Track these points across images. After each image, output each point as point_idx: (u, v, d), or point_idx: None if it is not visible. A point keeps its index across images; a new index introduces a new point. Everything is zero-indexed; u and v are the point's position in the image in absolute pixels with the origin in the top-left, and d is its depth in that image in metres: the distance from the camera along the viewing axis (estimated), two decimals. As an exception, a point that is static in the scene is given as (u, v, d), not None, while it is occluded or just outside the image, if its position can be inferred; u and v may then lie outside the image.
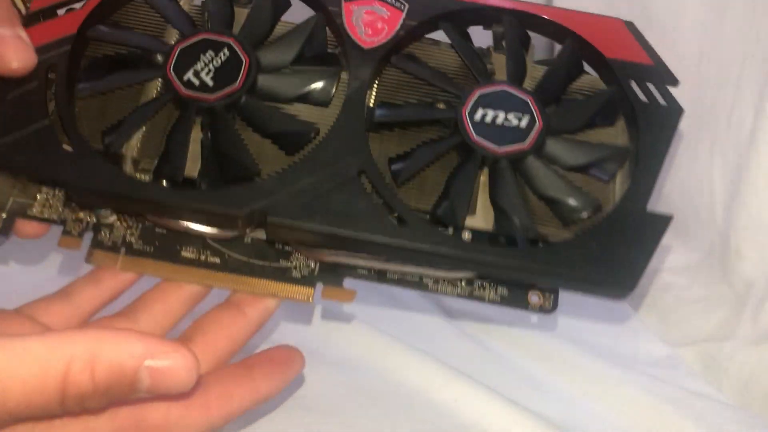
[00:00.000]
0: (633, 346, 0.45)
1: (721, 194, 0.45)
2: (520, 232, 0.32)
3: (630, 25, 0.38)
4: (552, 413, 0.38)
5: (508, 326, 0.44)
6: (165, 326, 0.33)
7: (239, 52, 0.34)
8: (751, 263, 0.44)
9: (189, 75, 0.33)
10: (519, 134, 0.33)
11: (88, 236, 0.34)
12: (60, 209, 0.34)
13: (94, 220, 0.34)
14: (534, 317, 0.45)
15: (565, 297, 0.48)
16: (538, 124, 0.33)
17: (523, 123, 0.33)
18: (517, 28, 0.36)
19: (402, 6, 0.35)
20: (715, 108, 0.45)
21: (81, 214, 0.34)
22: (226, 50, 0.34)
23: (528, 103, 0.33)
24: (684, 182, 0.47)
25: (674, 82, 0.36)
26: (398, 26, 0.35)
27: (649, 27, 0.49)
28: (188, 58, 0.33)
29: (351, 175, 0.32)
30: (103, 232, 0.34)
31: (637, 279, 0.31)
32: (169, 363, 0.24)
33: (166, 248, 0.34)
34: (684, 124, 0.48)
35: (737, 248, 0.44)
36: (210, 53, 0.34)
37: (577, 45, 0.36)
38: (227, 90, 0.33)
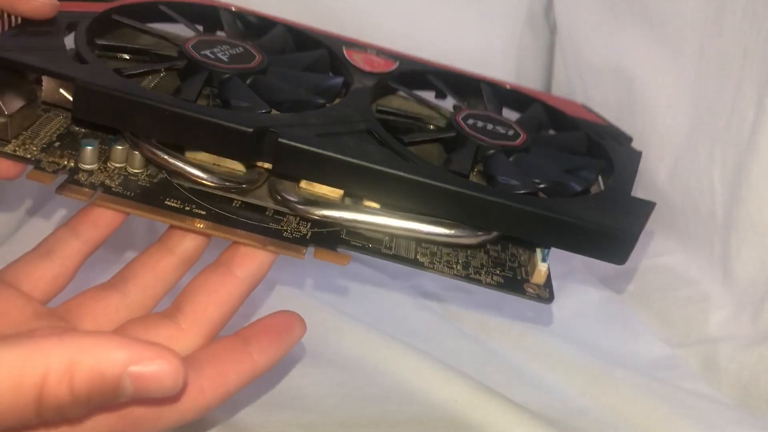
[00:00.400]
0: (633, 347, 0.45)
1: (721, 194, 0.45)
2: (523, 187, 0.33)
3: (585, 106, 0.44)
4: (552, 413, 0.38)
5: (508, 326, 0.44)
6: (156, 295, 0.32)
7: (254, 51, 0.36)
8: (751, 263, 0.43)
9: (205, 51, 0.35)
10: (508, 137, 0.36)
11: (62, 178, 0.32)
12: (36, 151, 0.32)
13: (72, 164, 0.32)
14: (530, 312, 0.45)
15: (566, 299, 0.48)
16: (522, 135, 0.37)
17: (510, 133, 0.37)
18: (490, 95, 0.41)
19: (395, 60, 0.40)
20: (714, 108, 0.45)
21: (58, 159, 0.32)
22: (241, 48, 0.36)
23: (511, 123, 0.38)
24: (684, 182, 0.47)
25: (629, 140, 0.41)
26: (393, 68, 0.40)
27: (649, 27, 0.49)
28: (206, 44, 0.35)
29: (360, 129, 0.33)
30: (81, 174, 0.32)
31: (633, 245, 0.32)
32: (153, 369, 0.23)
33: (147, 196, 0.32)
34: (684, 124, 0.49)
35: (737, 248, 0.44)
36: (227, 46, 0.36)
37: (541, 107, 0.41)
38: (241, 65, 0.35)
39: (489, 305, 0.46)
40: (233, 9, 0.42)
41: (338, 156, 0.30)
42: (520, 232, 0.33)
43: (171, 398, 0.26)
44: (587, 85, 0.56)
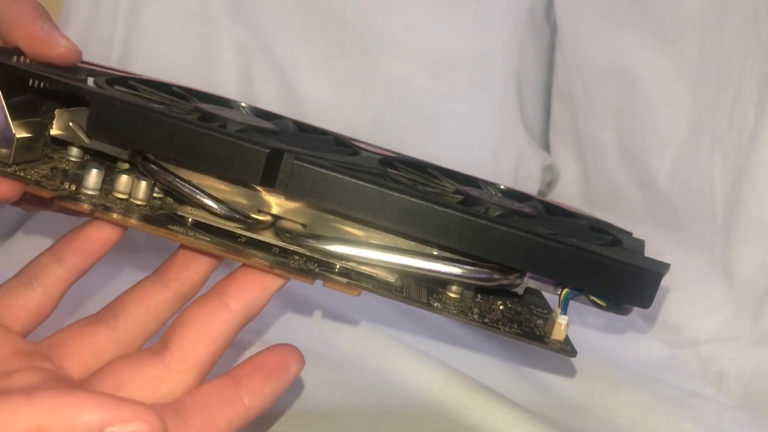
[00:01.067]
0: (633, 347, 0.45)
1: (721, 194, 0.45)
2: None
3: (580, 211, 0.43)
4: (552, 413, 0.38)
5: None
6: (147, 331, 0.31)
7: (264, 123, 0.37)
8: (751, 264, 0.43)
9: (219, 112, 0.36)
10: (516, 206, 0.36)
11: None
12: (37, 176, 0.31)
13: (74, 188, 0.31)
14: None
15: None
16: (530, 209, 0.36)
17: (517, 205, 0.37)
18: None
19: (396, 154, 0.41)
20: (715, 108, 0.45)
21: (59, 183, 0.31)
22: (251, 117, 0.39)
23: (515, 203, 0.38)
24: (684, 182, 0.47)
25: (628, 234, 0.40)
26: (395, 155, 0.40)
27: (649, 27, 0.49)
28: (220, 109, 0.37)
29: (374, 173, 0.33)
30: (82, 196, 0.31)
31: (655, 292, 0.32)
32: (132, 429, 0.21)
33: (150, 220, 0.31)
34: (684, 124, 0.49)
35: (737, 248, 0.44)
36: (240, 113, 0.39)
37: (538, 201, 0.41)
38: (256, 124, 0.36)
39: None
40: (242, 104, 0.42)
41: (358, 181, 0.29)
42: (546, 270, 0.31)
43: None
44: (587, 85, 0.56)
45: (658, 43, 0.49)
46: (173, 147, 0.30)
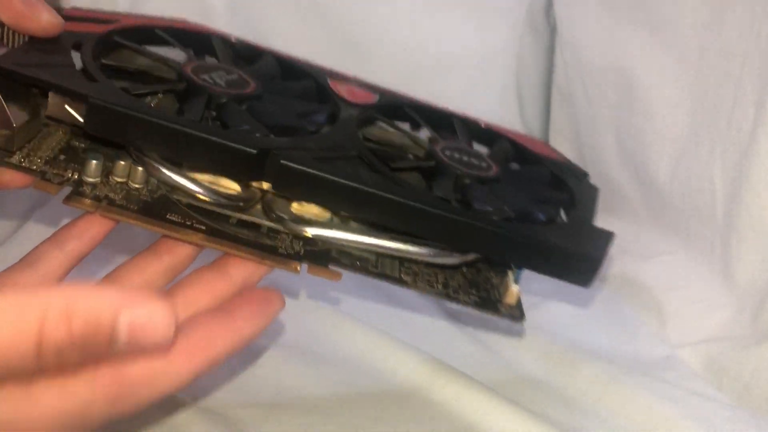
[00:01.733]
0: (633, 347, 0.45)
1: (721, 194, 0.45)
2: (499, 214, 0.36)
3: (546, 143, 0.48)
4: (552, 413, 0.38)
5: (508, 326, 0.45)
6: None
7: (247, 78, 0.38)
8: (751, 263, 0.44)
9: (204, 76, 0.37)
10: (482, 168, 0.39)
11: (67, 189, 0.33)
12: (40, 163, 0.33)
13: (75, 176, 0.33)
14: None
15: (566, 300, 0.48)
16: (494, 167, 0.40)
17: (484, 165, 0.40)
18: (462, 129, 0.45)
19: (375, 93, 0.43)
20: (715, 108, 0.45)
21: (62, 171, 0.33)
22: (235, 74, 0.38)
23: (483, 156, 0.41)
24: (684, 182, 0.47)
25: (585, 175, 0.44)
26: (374, 101, 0.43)
27: (649, 27, 0.49)
28: (203, 69, 0.37)
29: (352, 155, 0.35)
30: (85, 186, 0.33)
31: (598, 269, 0.35)
32: (147, 312, 0.23)
33: (149, 210, 0.33)
34: (684, 124, 0.49)
35: (737, 248, 0.44)
36: (222, 72, 0.38)
37: (508, 142, 0.45)
38: (238, 90, 0.37)
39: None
40: (225, 36, 0.44)
41: (337, 179, 0.32)
42: (497, 254, 0.36)
43: (163, 361, 0.26)
44: (587, 85, 0.56)
45: (658, 43, 0.49)
46: (165, 149, 0.33)
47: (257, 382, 0.38)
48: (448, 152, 0.39)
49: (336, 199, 0.33)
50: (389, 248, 0.35)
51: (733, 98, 0.44)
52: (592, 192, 0.42)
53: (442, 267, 0.37)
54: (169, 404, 0.35)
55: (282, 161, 0.32)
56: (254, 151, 0.32)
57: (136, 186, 0.34)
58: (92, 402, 0.24)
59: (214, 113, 0.36)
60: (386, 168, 0.35)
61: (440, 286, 0.36)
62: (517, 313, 0.36)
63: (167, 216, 0.33)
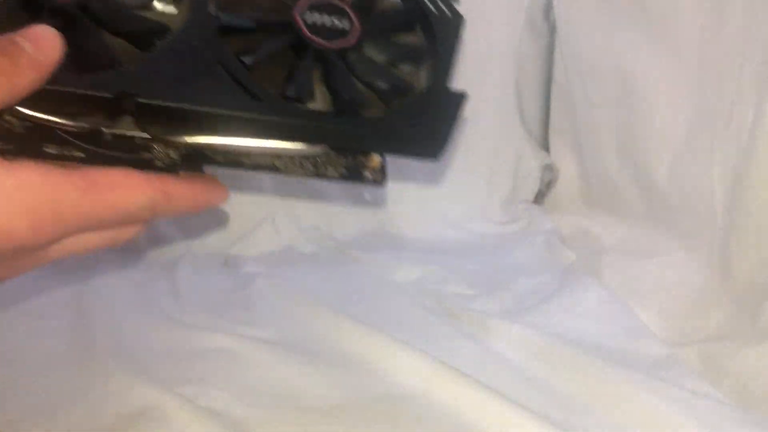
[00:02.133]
0: (633, 346, 0.45)
1: (721, 194, 0.45)
2: (351, 105, 0.37)
3: None
4: (552, 413, 0.38)
5: (508, 326, 0.44)
6: None
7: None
8: (750, 263, 0.44)
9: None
10: (344, 33, 0.39)
11: None
12: None
13: None
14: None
15: (566, 299, 0.48)
16: (357, 27, 0.39)
17: (347, 26, 0.39)
18: None
19: None
20: (713, 108, 0.45)
21: None
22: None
23: (347, 11, 0.40)
24: (683, 182, 0.48)
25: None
26: None
27: (648, 27, 0.49)
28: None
29: (209, 64, 0.36)
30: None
31: (444, 142, 0.36)
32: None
33: (27, 145, 0.34)
34: (684, 124, 0.49)
35: (737, 248, 0.44)
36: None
37: None
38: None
39: (489, 305, 0.46)
40: None
41: (192, 107, 0.34)
42: (348, 146, 0.37)
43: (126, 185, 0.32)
44: (587, 85, 0.56)
45: (658, 43, 0.49)
46: (42, 107, 0.33)
47: (257, 382, 0.38)
48: (308, 17, 0.39)
49: (195, 126, 0.35)
50: (261, 147, 0.36)
51: (732, 99, 0.44)
52: (454, 29, 0.42)
53: (311, 156, 0.38)
54: (169, 404, 0.35)
55: (139, 99, 0.33)
56: (110, 96, 0.33)
57: (9, 119, 0.34)
58: None
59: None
60: (245, 71, 0.36)
61: (311, 167, 0.38)
62: (379, 177, 0.38)
63: (46, 149, 0.34)
